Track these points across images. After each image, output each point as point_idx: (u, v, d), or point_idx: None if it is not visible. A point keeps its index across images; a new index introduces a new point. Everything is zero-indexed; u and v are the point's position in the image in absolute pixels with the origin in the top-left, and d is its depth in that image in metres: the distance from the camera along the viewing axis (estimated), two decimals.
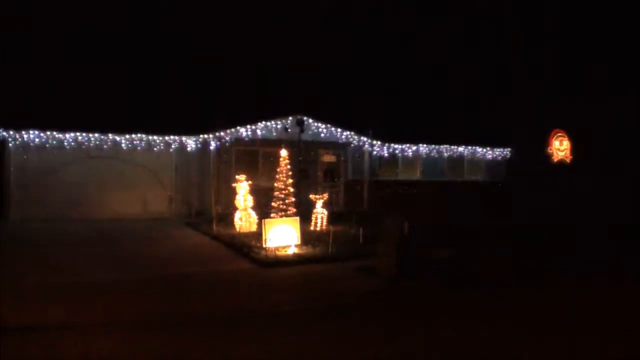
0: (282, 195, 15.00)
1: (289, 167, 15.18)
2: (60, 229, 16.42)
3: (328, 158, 21.93)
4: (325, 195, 16.82)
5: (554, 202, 20.67)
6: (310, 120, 21.31)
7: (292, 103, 25.83)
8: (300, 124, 20.17)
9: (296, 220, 13.34)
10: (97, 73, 28.38)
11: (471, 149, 25.09)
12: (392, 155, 23.64)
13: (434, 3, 36.40)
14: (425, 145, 23.94)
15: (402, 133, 24.80)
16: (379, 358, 6.88)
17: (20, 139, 17.95)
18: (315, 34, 33.32)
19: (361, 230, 14.38)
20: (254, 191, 16.31)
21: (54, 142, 18.28)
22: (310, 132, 20.60)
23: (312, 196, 16.63)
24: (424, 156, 24.07)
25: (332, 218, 16.05)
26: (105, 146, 18.88)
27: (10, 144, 17.88)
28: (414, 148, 23.80)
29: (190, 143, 19.95)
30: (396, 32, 36.68)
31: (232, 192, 16.44)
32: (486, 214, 19.39)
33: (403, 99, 33.53)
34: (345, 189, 21.73)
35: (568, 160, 21.38)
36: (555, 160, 21.41)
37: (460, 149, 24.81)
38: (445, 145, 24.39)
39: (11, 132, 17.90)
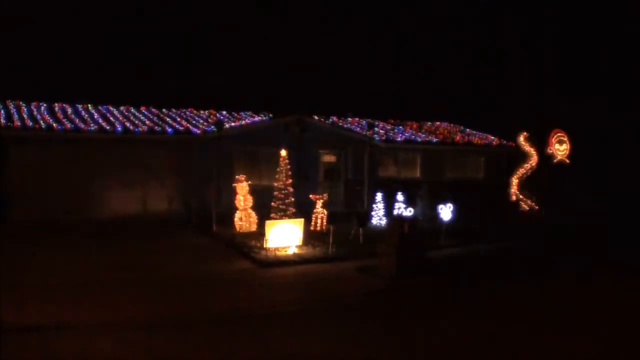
0: (282, 195, 14.98)
1: (289, 167, 15.16)
2: (60, 228, 16.39)
3: (328, 158, 21.90)
4: (325, 195, 16.80)
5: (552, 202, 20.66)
6: (311, 120, 21.28)
7: (292, 102, 25.85)
8: (300, 123, 20.15)
9: (300, 221, 13.33)
10: (98, 72, 28.40)
11: (471, 147, 25.07)
12: (393, 155, 23.61)
13: (436, 4, 36.40)
14: (425, 144, 23.92)
15: (402, 133, 24.79)
16: (380, 358, 6.87)
17: (21, 137, 17.89)
18: (315, 34, 33.30)
19: (361, 230, 14.38)
20: (254, 191, 16.27)
21: (54, 139, 18.23)
22: (310, 132, 20.57)
23: (312, 196, 16.62)
24: (424, 155, 24.03)
25: (332, 218, 16.03)
26: (106, 144, 18.83)
27: (10, 142, 17.83)
28: (414, 147, 23.78)
29: (191, 141, 19.90)
30: (396, 32, 36.65)
31: (233, 192, 16.39)
32: (486, 213, 19.37)
33: (402, 99, 33.53)
34: (345, 188, 21.69)
35: (568, 161, 21.37)
36: (555, 160, 21.40)
37: (460, 148, 24.79)
38: (445, 145, 24.37)
39: (12, 130, 17.85)
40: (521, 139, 21.89)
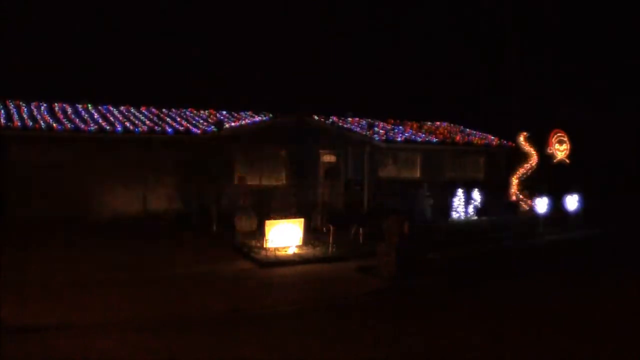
0: (282, 195, 14.97)
1: (289, 167, 15.15)
2: (60, 228, 16.37)
3: (328, 158, 21.89)
4: (326, 195, 16.79)
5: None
6: (311, 120, 21.26)
7: (292, 102, 25.83)
8: (300, 123, 20.13)
9: (300, 221, 13.33)
10: (98, 71, 28.40)
11: (471, 147, 25.07)
12: (393, 155, 23.61)
13: (437, 4, 36.39)
14: (425, 144, 23.92)
15: (402, 133, 24.78)
16: (380, 358, 6.87)
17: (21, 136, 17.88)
18: (315, 34, 33.29)
19: (361, 230, 14.38)
20: (254, 191, 16.26)
21: (54, 139, 18.21)
22: (310, 132, 20.55)
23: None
24: (424, 155, 24.02)
25: (332, 218, 16.04)
26: (106, 144, 18.82)
27: (10, 142, 17.82)
28: (414, 147, 23.77)
29: (191, 141, 19.89)
30: (396, 32, 36.65)
31: (233, 192, 16.39)
32: (485, 214, 19.38)
33: (402, 99, 33.53)
34: (345, 188, 21.68)
35: (568, 161, 21.38)
36: (555, 160, 21.41)
37: (460, 148, 24.79)
38: (445, 145, 24.37)
39: (12, 130, 17.84)
40: (521, 139, 21.75)
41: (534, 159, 21.52)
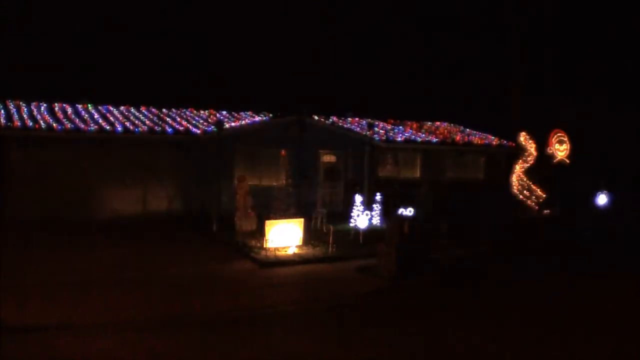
0: (282, 195, 14.96)
1: (289, 167, 15.14)
2: (60, 228, 16.37)
3: (328, 158, 21.89)
4: (325, 196, 16.77)
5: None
6: (311, 120, 21.26)
7: (292, 102, 25.81)
8: (300, 123, 20.12)
9: (300, 221, 13.33)
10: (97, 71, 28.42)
11: (471, 147, 25.08)
12: (393, 155, 23.61)
13: (436, 4, 36.39)
14: (425, 144, 23.93)
15: (402, 133, 24.79)
16: (380, 358, 6.87)
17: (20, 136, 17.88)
18: (315, 34, 33.31)
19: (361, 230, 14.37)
20: (254, 191, 16.27)
21: (54, 139, 18.21)
22: (310, 132, 20.54)
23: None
24: (424, 155, 24.02)
25: (332, 218, 16.03)
26: (106, 144, 18.83)
27: (10, 142, 17.81)
28: (414, 147, 23.78)
29: (191, 141, 19.88)
30: (396, 32, 36.66)
31: (233, 192, 16.40)
32: (486, 213, 19.35)
33: (402, 99, 33.53)
34: (345, 188, 21.68)
35: (568, 161, 21.37)
36: (555, 160, 21.40)
37: (460, 148, 24.80)
38: (445, 145, 24.37)
39: (12, 130, 17.83)
40: (521, 138, 20.86)
41: (532, 155, 20.52)
